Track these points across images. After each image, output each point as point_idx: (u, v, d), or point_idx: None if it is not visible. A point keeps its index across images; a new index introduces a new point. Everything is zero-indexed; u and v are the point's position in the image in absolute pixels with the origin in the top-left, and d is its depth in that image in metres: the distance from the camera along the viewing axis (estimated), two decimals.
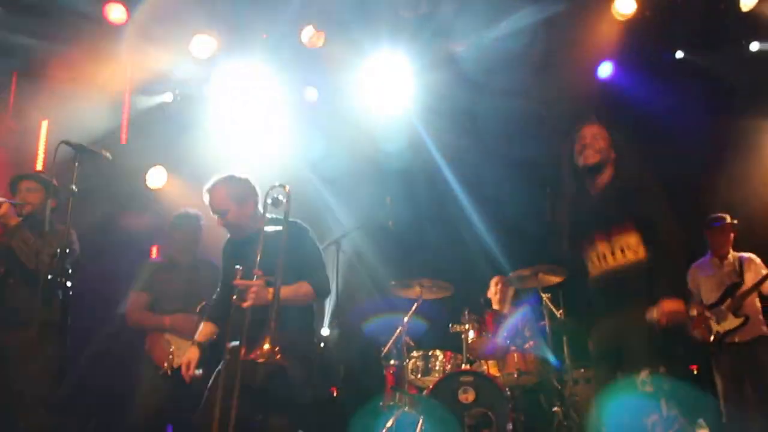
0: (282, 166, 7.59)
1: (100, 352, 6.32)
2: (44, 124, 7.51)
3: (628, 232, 3.98)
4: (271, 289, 3.74)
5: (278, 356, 3.54)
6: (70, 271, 3.51)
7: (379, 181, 7.29)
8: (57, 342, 4.55)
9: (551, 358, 5.89)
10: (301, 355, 3.99)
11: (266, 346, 3.53)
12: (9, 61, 7.26)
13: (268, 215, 4.16)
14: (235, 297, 3.82)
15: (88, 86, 7.19)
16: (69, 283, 3.46)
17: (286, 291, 3.83)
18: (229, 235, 4.39)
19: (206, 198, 4.20)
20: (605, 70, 7.06)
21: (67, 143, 3.74)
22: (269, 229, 3.99)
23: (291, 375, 3.89)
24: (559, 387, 6.03)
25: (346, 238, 6.27)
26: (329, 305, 7.74)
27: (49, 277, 3.43)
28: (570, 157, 4.25)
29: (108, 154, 3.96)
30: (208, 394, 3.96)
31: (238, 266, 3.84)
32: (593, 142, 4.14)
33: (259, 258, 3.82)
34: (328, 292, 4.23)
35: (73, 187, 3.63)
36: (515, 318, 6.19)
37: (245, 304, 3.76)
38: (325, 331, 7.82)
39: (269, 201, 4.02)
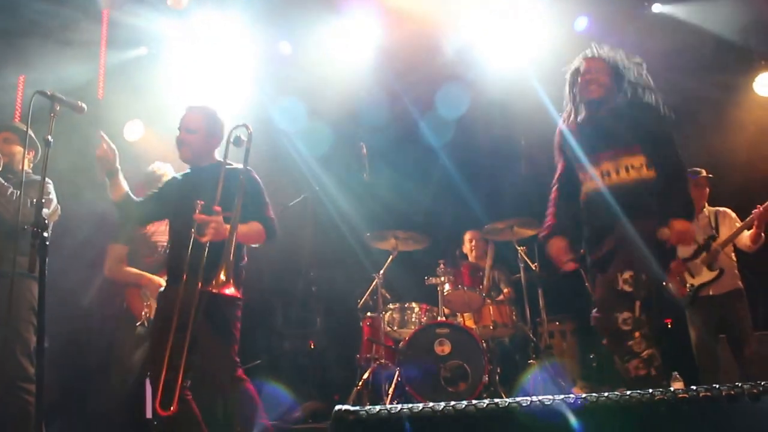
0: (255, 119, 7.59)
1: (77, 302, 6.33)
2: (21, 80, 7.44)
3: (634, 154, 4.01)
4: (228, 226, 3.85)
5: (231, 287, 3.71)
6: (46, 221, 3.49)
7: (355, 135, 7.27)
8: (34, 291, 4.59)
9: None
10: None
11: (222, 277, 3.68)
12: None
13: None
14: (194, 230, 3.90)
15: (65, 41, 7.09)
16: (45, 234, 3.43)
17: (242, 228, 3.98)
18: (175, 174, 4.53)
19: (181, 115, 4.34)
20: (581, 24, 7.03)
21: (42, 93, 3.71)
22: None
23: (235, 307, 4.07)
24: (535, 340, 6.14)
25: (321, 190, 6.28)
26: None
27: (26, 227, 3.42)
28: (572, 87, 4.28)
29: (83, 105, 3.93)
30: (159, 325, 4.05)
31: (199, 200, 3.92)
32: (597, 77, 4.16)
33: (219, 194, 3.93)
34: (275, 234, 4.25)
35: (49, 137, 3.60)
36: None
37: (204, 239, 3.85)
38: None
39: (231, 140, 4.14)
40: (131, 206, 4.34)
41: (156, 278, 5.19)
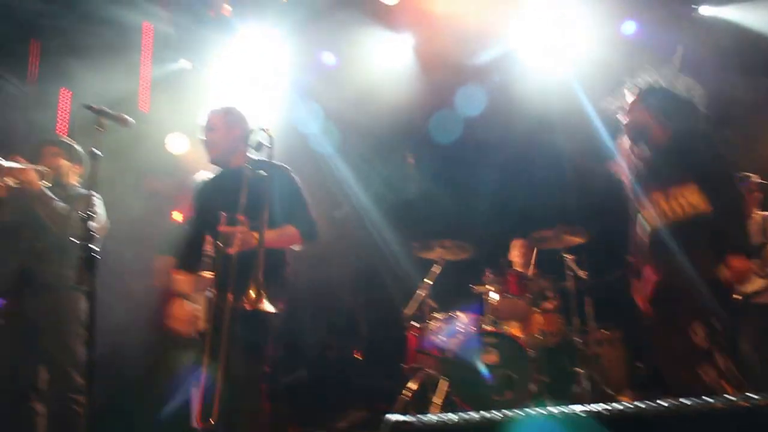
0: (297, 131, 7.62)
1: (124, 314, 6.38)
2: (65, 94, 7.56)
3: (687, 188, 3.93)
4: (256, 234, 3.72)
5: (263, 303, 3.54)
6: (94, 235, 3.51)
7: (401, 145, 7.25)
8: (85, 306, 4.63)
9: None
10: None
11: (252, 293, 3.53)
12: (29, 30, 7.28)
13: (253, 157, 4.09)
14: (219, 243, 3.82)
15: (107, 55, 7.19)
16: (94, 247, 3.45)
17: (271, 235, 3.81)
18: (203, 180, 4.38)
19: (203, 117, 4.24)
20: (628, 28, 6.92)
21: (89, 107, 3.73)
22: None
23: (268, 321, 3.85)
24: (583, 348, 6.03)
25: (366, 200, 6.26)
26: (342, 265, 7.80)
27: (75, 241, 3.45)
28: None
29: (129, 118, 3.95)
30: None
31: (222, 212, 3.82)
32: (628, 115, 4.15)
33: (243, 200, 3.79)
34: (315, 236, 4.08)
35: (96, 151, 3.62)
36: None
37: (231, 251, 3.76)
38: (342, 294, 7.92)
39: (252, 145, 4.01)
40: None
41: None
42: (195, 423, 3.74)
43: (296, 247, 4.10)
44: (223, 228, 3.82)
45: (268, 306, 3.57)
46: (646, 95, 4.17)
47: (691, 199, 3.89)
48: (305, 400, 7.15)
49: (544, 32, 7.07)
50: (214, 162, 4.25)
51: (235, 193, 3.84)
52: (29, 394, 4.59)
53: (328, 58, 7.58)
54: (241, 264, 3.72)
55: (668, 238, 3.87)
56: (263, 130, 3.97)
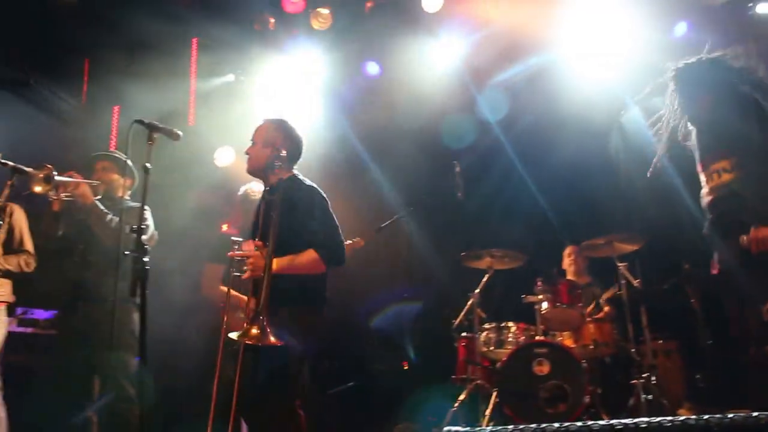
0: (342, 141, 7.63)
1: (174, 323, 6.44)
2: (116, 110, 7.71)
3: (722, 158, 3.90)
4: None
5: (269, 338, 3.41)
6: (146, 247, 3.53)
7: (447, 154, 7.19)
8: (137, 317, 4.69)
9: None
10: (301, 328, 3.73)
11: (254, 331, 3.41)
12: (81, 49, 7.44)
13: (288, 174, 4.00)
14: (233, 268, 3.75)
15: (155, 70, 7.30)
16: (146, 259, 3.47)
17: (286, 262, 3.69)
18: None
19: None
20: (680, 29, 6.78)
21: (140, 122, 3.78)
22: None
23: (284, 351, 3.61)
24: (638, 359, 5.89)
25: (413, 211, 6.20)
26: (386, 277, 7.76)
27: (126, 253, 3.48)
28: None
29: (179, 132, 3.98)
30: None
31: (234, 238, 3.78)
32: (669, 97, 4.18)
33: (261, 222, 3.76)
34: (339, 260, 3.86)
35: (148, 165, 3.66)
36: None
37: (244, 276, 3.71)
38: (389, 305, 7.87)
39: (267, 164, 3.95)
40: None
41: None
42: None
43: (320, 271, 3.85)
44: (233, 254, 3.76)
45: (272, 340, 3.43)
46: (682, 72, 4.14)
47: (722, 167, 3.84)
48: (353, 411, 7.12)
49: (591, 37, 6.97)
50: (248, 173, 4.18)
51: (259, 216, 3.84)
52: (84, 405, 4.64)
53: (372, 67, 7.57)
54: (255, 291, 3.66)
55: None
56: (278, 151, 3.92)
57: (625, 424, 3.71)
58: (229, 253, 3.78)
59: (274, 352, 3.53)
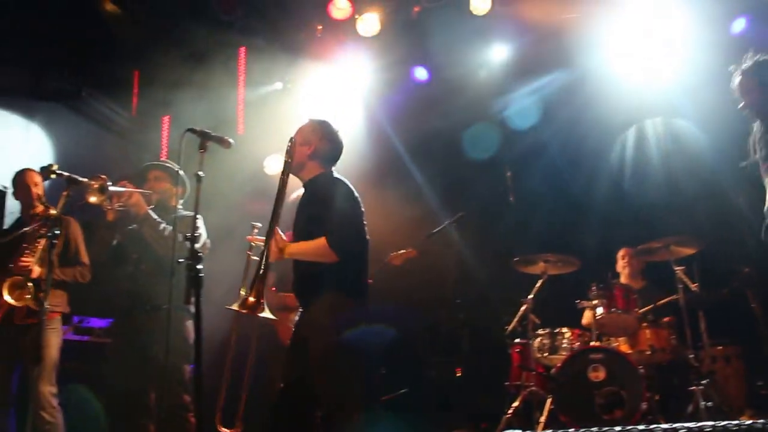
0: (389, 147, 7.61)
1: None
2: (166, 120, 7.81)
3: None
4: (283, 245, 3.76)
5: (261, 309, 3.61)
6: (199, 255, 3.55)
7: (497, 158, 7.14)
8: (187, 322, 4.72)
9: None
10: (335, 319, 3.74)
11: (250, 299, 3.62)
12: (132, 61, 7.55)
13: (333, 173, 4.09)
14: (249, 252, 3.96)
15: (205, 79, 7.38)
16: (199, 267, 3.48)
17: (293, 247, 3.83)
18: None
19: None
20: (738, 26, 6.61)
21: (193, 131, 3.80)
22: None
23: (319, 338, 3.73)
24: (697, 365, 5.75)
25: (465, 216, 6.15)
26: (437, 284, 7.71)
27: (180, 261, 3.50)
28: None
29: (230, 140, 4.00)
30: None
31: (254, 223, 3.96)
32: (743, 96, 4.09)
33: (279, 212, 3.86)
34: (346, 252, 3.77)
35: (200, 173, 3.67)
36: None
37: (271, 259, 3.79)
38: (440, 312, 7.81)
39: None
40: None
41: None
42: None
43: (331, 259, 3.79)
44: (250, 238, 3.94)
45: (267, 314, 3.66)
46: (754, 69, 4.06)
47: None
48: (406, 419, 7.07)
49: (641, 38, 6.84)
50: (291, 172, 4.15)
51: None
52: (142, 413, 4.67)
53: (421, 73, 7.54)
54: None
55: None
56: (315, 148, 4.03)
57: (689, 428, 3.63)
58: (247, 237, 3.93)
59: (323, 347, 3.66)
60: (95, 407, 5.10)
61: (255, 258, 3.93)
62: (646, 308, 6.09)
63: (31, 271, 4.79)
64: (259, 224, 3.91)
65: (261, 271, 3.64)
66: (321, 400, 3.72)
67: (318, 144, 4.05)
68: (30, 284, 4.73)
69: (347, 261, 3.79)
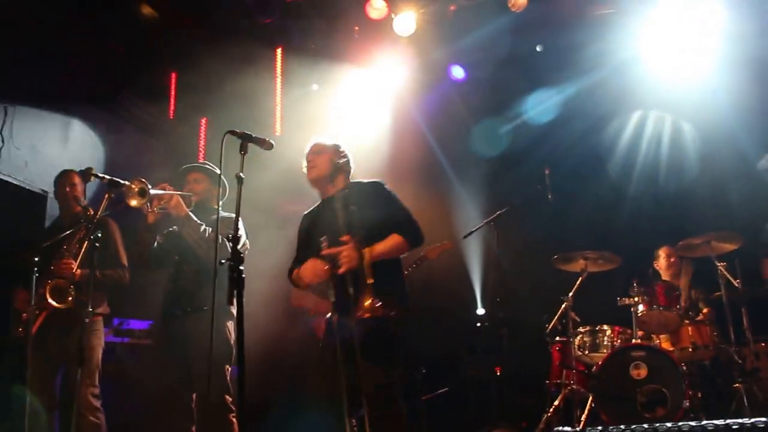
0: (426, 146, 7.60)
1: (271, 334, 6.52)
2: (203, 122, 7.87)
3: None
4: (362, 250, 3.79)
5: (380, 309, 3.63)
6: (240, 256, 3.56)
7: (534, 156, 7.09)
8: (231, 325, 4.75)
9: None
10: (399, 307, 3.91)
11: (367, 302, 3.64)
12: (168, 62, 7.63)
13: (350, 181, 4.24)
14: (329, 267, 3.88)
15: (243, 81, 7.43)
16: (241, 268, 3.50)
17: (378, 247, 3.87)
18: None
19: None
20: None
21: (233, 132, 3.82)
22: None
23: (393, 325, 3.87)
24: (740, 362, 5.66)
25: (504, 214, 6.11)
26: (477, 284, 7.70)
27: (222, 262, 3.52)
28: None
29: (271, 141, 4.03)
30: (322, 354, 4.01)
31: (322, 238, 3.90)
32: None
33: (341, 221, 3.89)
34: (421, 239, 4.09)
35: (241, 174, 3.70)
36: None
37: (340, 271, 3.80)
38: (480, 311, 7.78)
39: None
40: None
41: None
42: None
43: (405, 253, 4.09)
44: (326, 251, 3.88)
45: (383, 310, 3.66)
46: None
47: None
48: (447, 418, 7.08)
49: (680, 31, 6.75)
50: (311, 182, 4.32)
51: (332, 219, 3.95)
52: (182, 414, 4.71)
53: (457, 71, 7.51)
54: (354, 281, 3.80)
55: None
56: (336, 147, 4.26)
57: (741, 424, 3.58)
58: (322, 252, 3.87)
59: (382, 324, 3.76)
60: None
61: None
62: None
63: (73, 273, 4.85)
64: (325, 240, 3.90)
65: (369, 280, 3.71)
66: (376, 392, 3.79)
67: (342, 159, 4.28)
68: (71, 286, 4.81)
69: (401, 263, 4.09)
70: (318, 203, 4.36)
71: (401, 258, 4.16)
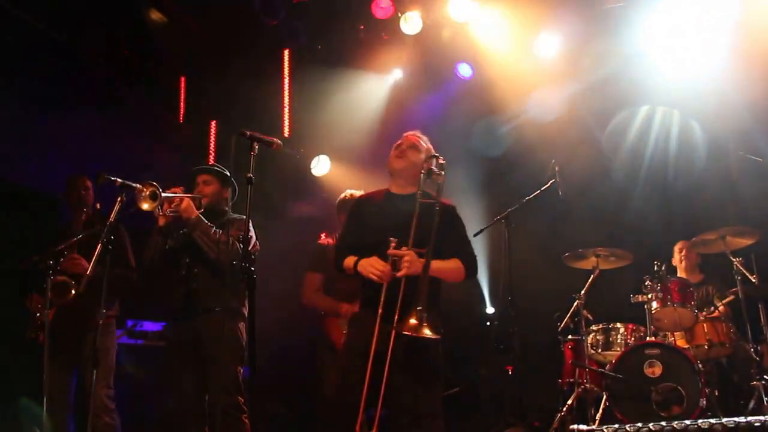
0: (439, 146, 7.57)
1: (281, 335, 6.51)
2: (213, 124, 7.88)
3: None
4: (423, 261, 3.71)
5: (424, 330, 3.54)
6: (251, 258, 3.56)
7: (543, 152, 7.05)
8: (244, 327, 4.75)
9: None
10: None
11: (413, 320, 3.54)
12: (177, 66, 7.65)
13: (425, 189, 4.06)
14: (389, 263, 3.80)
15: (252, 83, 7.44)
16: (252, 269, 3.50)
17: (439, 264, 3.82)
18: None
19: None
20: None
21: (242, 134, 3.82)
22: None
23: (434, 348, 3.82)
24: (758, 359, 5.60)
25: (514, 212, 6.08)
26: (486, 282, 7.68)
27: (234, 263, 3.51)
28: None
29: (280, 142, 4.02)
30: (348, 363, 3.93)
31: (392, 238, 3.81)
32: None
33: (414, 228, 3.79)
34: (476, 273, 4.12)
35: (250, 175, 3.69)
36: None
37: (399, 274, 3.74)
38: (489, 310, 7.76)
39: (423, 172, 3.99)
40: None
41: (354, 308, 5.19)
42: None
43: (454, 281, 4.04)
44: (392, 252, 3.80)
45: (428, 332, 3.56)
46: None
47: None
48: (459, 418, 7.05)
49: (691, 27, 6.70)
50: (392, 171, 4.19)
51: (404, 219, 3.86)
52: (196, 415, 4.71)
53: (465, 69, 7.49)
54: (406, 288, 3.74)
55: None
56: (436, 157, 4.04)
57: (763, 422, 3.52)
58: (388, 251, 3.80)
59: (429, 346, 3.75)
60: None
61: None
62: (714, 313, 5.98)
63: (84, 267, 4.86)
64: (395, 238, 3.84)
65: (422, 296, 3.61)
66: (416, 408, 3.75)
67: (425, 165, 4.09)
68: (73, 282, 4.82)
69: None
70: (383, 194, 4.23)
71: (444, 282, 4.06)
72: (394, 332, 3.65)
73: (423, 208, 3.87)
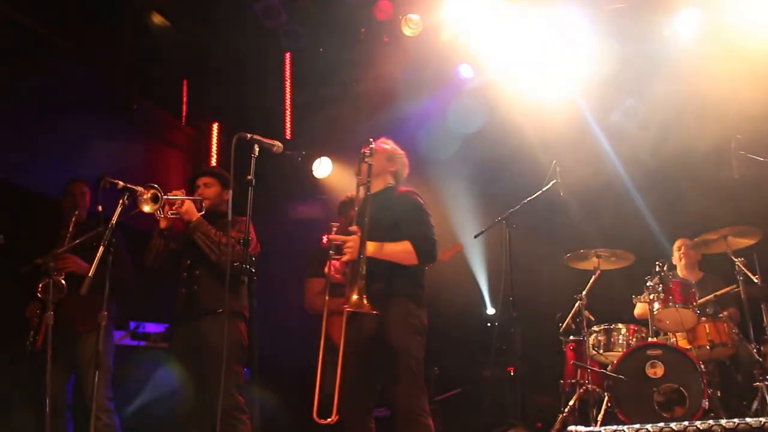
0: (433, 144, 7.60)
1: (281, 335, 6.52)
2: (215, 126, 7.91)
3: None
4: (367, 244, 3.86)
5: (366, 305, 3.69)
6: (252, 260, 3.58)
7: (545, 151, 7.06)
8: (240, 326, 4.76)
9: None
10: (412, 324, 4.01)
11: (354, 297, 3.70)
12: (179, 70, 7.68)
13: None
14: (331, 252, 4.02)
15: (253, 86, 7.46)
16: (253, 270, 3.51)
17: (388, 247, 3.97)
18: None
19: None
20: None
21: (243, 137, 3.85)
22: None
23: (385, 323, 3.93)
24: (760, 359, 5.59)
25: (515, 213, 6.09)
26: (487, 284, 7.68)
27: (235, 264, 3.53)
28: None
29: (280, 144, 4.04)
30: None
31: (333, 222, 4.07)
32: None
33: (359, 213, 3.98)
34: (431, 257, 4.10)
35: (251, 177, 3.71)
36: None
37: (343, 259, 3.91)
38: (490, 311, 7.76)
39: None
40: None
41: None
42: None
43: (413, 264, 4.07)
44: (331, 236, 4.01)
45: (369, 307, 3.72)
46: None
47: None
48: (461, 419, 7.06)
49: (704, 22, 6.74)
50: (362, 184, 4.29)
51: (374, 213, 4.01)
52: (200, 415, 4.72)
53: (466, 70, 7.50)
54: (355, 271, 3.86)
55: None
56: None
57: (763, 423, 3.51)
58: (329, 236, 4.03)
59: (402, 349, 3.90)
60: None
61: (334, 256, 4.07)
62: (705, 298, 5.98)
63: (73, 269, 4.90)
64: (337, 223, 4.07)
65: (362, 270, 3.75)
66: (396, 400, 3.92)
67: (399, 167, 4.40)
68: (63, 281, 4.84)
69: (421, 267, 4.14)
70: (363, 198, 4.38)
71: (422, 276, 4.19)
72: (346, 311, 3.83)
73: (381, 200, 4.11)
